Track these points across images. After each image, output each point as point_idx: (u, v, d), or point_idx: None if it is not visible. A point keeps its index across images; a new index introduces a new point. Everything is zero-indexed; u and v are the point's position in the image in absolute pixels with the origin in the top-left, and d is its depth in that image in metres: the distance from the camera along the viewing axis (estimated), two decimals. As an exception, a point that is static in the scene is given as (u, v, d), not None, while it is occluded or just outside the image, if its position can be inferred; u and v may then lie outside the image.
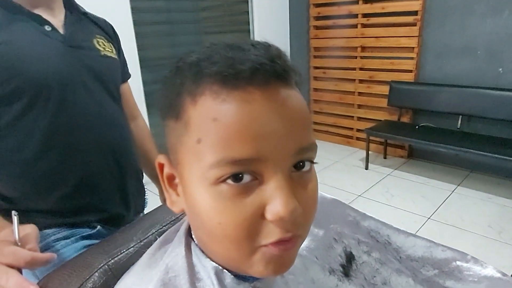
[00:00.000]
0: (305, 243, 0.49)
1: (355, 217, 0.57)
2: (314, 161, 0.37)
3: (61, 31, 0.74)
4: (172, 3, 3.08)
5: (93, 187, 0.79)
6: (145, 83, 2.89)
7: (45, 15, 0.73)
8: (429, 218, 2.44)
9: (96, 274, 0.44)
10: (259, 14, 3.68)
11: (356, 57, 3.50)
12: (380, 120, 3.44)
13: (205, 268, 0.39)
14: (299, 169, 0.35)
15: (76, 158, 0.75)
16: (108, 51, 0.83)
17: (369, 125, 3.34)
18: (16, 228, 0.54)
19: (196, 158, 0.34)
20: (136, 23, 2.75)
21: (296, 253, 0.38)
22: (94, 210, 0.79)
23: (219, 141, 0.32)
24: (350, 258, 0.51)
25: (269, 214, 0.32)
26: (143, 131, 1.04)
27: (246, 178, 0.33)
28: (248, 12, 3.67)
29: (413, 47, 3.11)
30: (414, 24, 3.05)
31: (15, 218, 0.55)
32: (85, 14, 0.84)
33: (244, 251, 0.34)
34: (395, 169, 3.23)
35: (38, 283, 0.47)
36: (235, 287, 0.39)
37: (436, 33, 3.02)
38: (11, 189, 0.72)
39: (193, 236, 0.43)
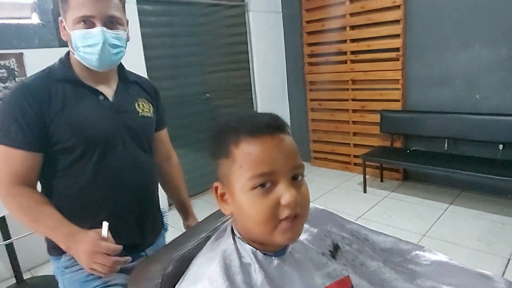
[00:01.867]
0: (304, 236, 0.74)
1: (341, 221, 0.82)
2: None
3: (111, 99, 1.00)
4: (178, 49, 3.42)
5: (117, 220, 0.99)
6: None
7: (102, 88, 1.00)
8: (424, 235, 2.65)
9: (173, 262, 0.68)
10: (258, 53, 4.05)
11: (348, 89, 3.82)
12: (375, 146, 3.71)
13: (245, 250, 0.65)
14: (295, 179, 0.62)
15: (109, 196, 0.98)
16: (146, 111, 1.08)
17: (365, 151, 3.60)
18: (106, 231, 0.82)
19: (239, 177, 0.61)
20: (148, 69, 3.08)
21: (301, 228, 0.63)
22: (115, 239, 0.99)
23: (252, 165, 0.60)
24: (336, 247, 0.76)
25: (283, 201, 0.59)
26: (176, 169, 1.30)
27: (267, 185, 0.60)
28: (247, 52, 4.04)
29: (398, 79, 3.43)
30: (397, 59, 3.39)
31: (106, 225, 0.83)
32: (134, 81, 1.10)
33: (271, 227, 0.60)
34: (392, 191, 3.46)
35: (130, 274, 0.71)
36: (264, 260, 0.64)
37: (417, 66, 3.35)
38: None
39: (235, 232, 0.68)
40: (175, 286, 0.65)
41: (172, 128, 3.25)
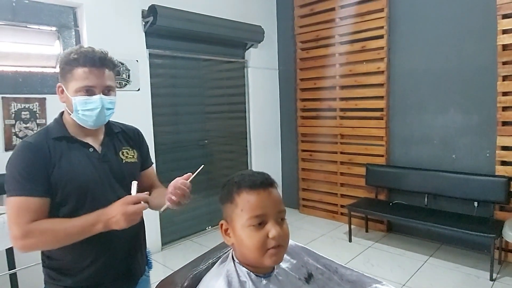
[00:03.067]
0: (286, 265, 0.96)
1: (316, 256, 1.04)
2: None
3: (98, 150, 1.17)
4: (181, 98, 3.73)
5: (107, 258, 1.14)
6: (158, 164, 3.39)
7: (91, 141, 1.16)
8: (403, 285, 2.80)
9: (188, 278, 0.88)
10: (254, 105, 4.39)
11: (337, 143, 4.13)
12: (360, 197, 3.94)
13: (242, 271, 0.87)
14: (280, 220, 0.85)
15: (98, 236, 1.06)
16: (130, 157, 1.24)
17: (351, 201, 3.83)
18: (135, 191, 1.05)
19: (240, 218, 0.84)
20: (154, 115, 3.37)
21: (283, 255, 0.85)
22: (104, 277, 1.15)
23: (250, 209, 0.83)
24: (310, 275, 0.98)
25: (270, 235, 0.81)
26: (159, 188, 1.41)
27: (260, 224, 0.82)
28: (245, 103, 4.37)
29: (382, 136, 3.75)
30: (381, 118, 3.74)
31: (135, 183, 1.08)
32: (119, 131, 1.26)
33: (261, 253, 0.82)
34: (376, 242, 3.63)
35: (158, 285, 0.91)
36: (256, 279, 0.86)
37: (399, 125, 3.69)
38: (61, 254, 1.12)
39: (234, 258, 0.89)
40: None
41: (169, 171, 3.58)
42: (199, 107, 3.92)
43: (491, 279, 2.80)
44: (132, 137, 1.31)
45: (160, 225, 3.48)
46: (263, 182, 0.85)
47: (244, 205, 0.83)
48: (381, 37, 3.66)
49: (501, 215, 3.12)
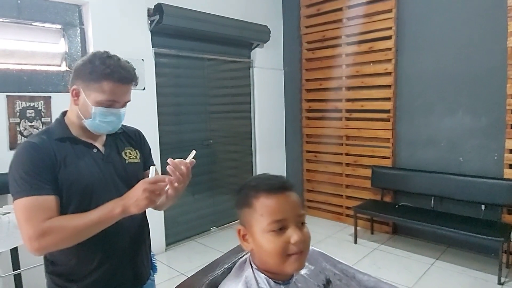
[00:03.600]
0: (304, 271, 0.93)
1: (333, 261, 1.01)
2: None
3: (102, 151, 1.15)
4: (187, 98, 3.71)
5: (112, 263, 1.11)
6: (162, 164, 3.36)
7: (94, 142, 1.15)
8: (411, 288, 2.77)
9: (204, 285, 0.85)
10: (259, 105, 4.36)
11: (342, 144, 4.10)
12: (366, 199, 3.90)
13: (260, 277, 0.84)
14: (300, 225, 0.82)
15: (103, 239, 1.05)
16: (132, 158, 1.22)
17: (357, 203, 3.80)
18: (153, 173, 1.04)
19: (260, 222, 0.81)
20: (159, 114, 3.34)
21: (305, 261, 0.82)
22: (110, 281, 1.12)
23: (270, 213, 0.80)
24: (328, 281, 0.95)
25: (292, 240, 0.78)
26: None
27: (281, 229, 0.79)
28: (250, 103, 4.35)
29: (389, 138, 3.72)
30: (388, 120, 3.71)
31: (153, 169, 1.05)
32: (121, 133, 1.24)
33: (282, 259, 0.79)
34: (382, 244, 3.60)
35: None
36: (275, 286, 0.83)
37: (406, 127, 3.66)
38: (65, 259, 1.08)
39: (252, 264, 0.86)
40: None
41: None
42: (204, 106, 3.89)
43: (499, 283, 2.77)
44: (133, 138, 1.29)
45: (164, 225, 3.46)
46: (281, 186, 0.83)
47: (263, 210, 0.80)
48: (389, 38, 3.63)
49: (509, 219, 3.09)
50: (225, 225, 4.10)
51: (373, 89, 3.80)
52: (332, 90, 4.13)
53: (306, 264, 0.95)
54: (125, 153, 1.22)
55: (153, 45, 3.25)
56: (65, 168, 1.04)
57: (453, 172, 3.35)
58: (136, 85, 1.14)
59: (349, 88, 4.00)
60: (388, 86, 3.68)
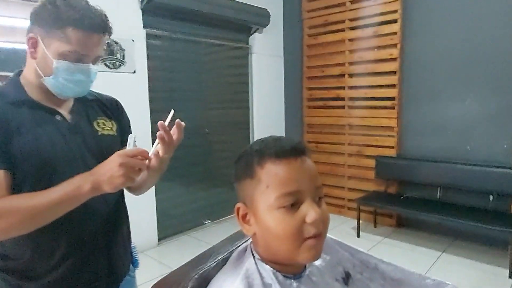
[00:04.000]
0: (319, 262, 0.76)
1: (350, 250, 0.84)
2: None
3: (68, 118, 0.94)
4: (182, 84, 3.52)
5: (82, 249, 0.93)
6: (156, 153, 3.20)
7: (58, 108, 0.94)
8: (418, 282, 2.62)
9: (193, 279, 0.68)
10: (258, 94, 4.18)
11: (344, 134, 3.93)
12: (369, 191, 3.75)
13: (266, 270, 0.67)
14: (317, 200, 0.65)
15: (70, 225, 0.89)
16: (107, 129, 1.02)
17: (359, 195, 3.64)
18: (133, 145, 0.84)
19: (266, 196, 0.64)
20: (151, 100, 3.16)
21: (322, 247, 0.65)
22: (82, 270, 0.94)
23: (279, 184, 0.63)
24: (348, 275, 0.78)
25: (309, 219, 0.61)
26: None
27: (294, 205, 0.62)
28: (248, 91, 4.17)
29: (393, 127, 3.56)
30: (392, 108, 3.54)
31: (132, 137, 0.87)
32: (93, 99, 1.05)
33: (296, 244, 0.62)
34: (385, 237, 3.45)
35: (154, 285, 0.71)
36: (284, 281, 0.66)
37: (412, 115, 3.49)
38: (19, 251, 0.88)
39: (254, 253, 0.69)
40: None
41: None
42: (199, 93, 3.71)
43: (510, 276, 2.63)
44: (109, 107, 1.08)
45: (156, 219, 3.29)
46: (294, 149, 0.65)
47: (271, 180, 0.63)
48: (394, 21, 3.44)
49: (520, 210, 2.94)
50: (221, 219, 3.93)
51: (377, 75, 3.63)
52: (335, 78, 3.95)
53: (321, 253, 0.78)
54: (98, 123, 1.02)
55: (145, 26, 3.05)
56: (20, 137, 0.84)
57: (460, 161, 3.20)
58: (110, 36, 0.94)
59: (352, 75, 3.83)
60: (393, 72, 3.51)
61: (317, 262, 0.75)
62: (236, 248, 0.78)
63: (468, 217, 2.89)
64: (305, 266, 0.72)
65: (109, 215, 1.00)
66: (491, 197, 3.08)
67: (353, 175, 3.94)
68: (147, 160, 0.86)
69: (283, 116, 4.53)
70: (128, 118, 1.16)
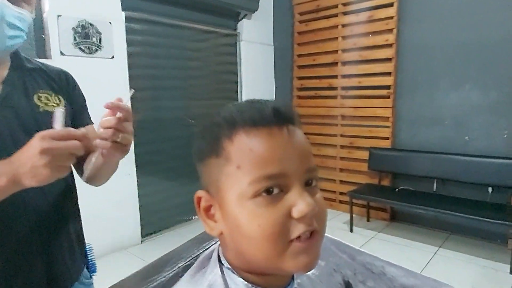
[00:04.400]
0: (311, 271, 0.58)
1: (350, 252, 0.67)
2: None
3: None
4: (165, 71, 3.32)
5: (13, 251, 0.76)
6: (136, 145, 3.00)
7: None
8: (414, 279, 2.48)
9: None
10: (247, 84, 3.99)
11: (337, 125, 3.77)
12: (362, 184, 3.60)
13: (237, 285, 0.48)
14: (309, 185, 0.47)
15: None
16: (51, 105, 0.84)
17: (351, 188, 3.48)
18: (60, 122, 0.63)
19: (236, 181, 0.45)
20: (133, 99, 2.93)
21: (319, 249, 0.47)
22: (12, 278, 0.76)
23: (254, 164, 0.44)
24: (348, 286, 0.60)
25: (296, 213, 0.43)
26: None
27: (275, 190, 0.44)
28: (236, 81, 3.97)
29: (388, 117, 3.40)
30: (388, 97, 3.38)
31: (58, 111, 0.65)
32: (35, 68, 0.87)
33: (279, 248, 0.44)
34: (379, 232, 3.31)
35: None
36: None
37: (408, 105, 3.34)
38: None
39: (222, 261, 0.51)
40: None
41: (146, 153, 3.14)
42: (184, 82, 3.50)
43: (511, 272, 2.51)
44: (56, 80, 0.89)
45: (139, 214, 3.10)
46: (278, 114, 0.46)
47: (244, 158, 0.44)
48: (390, 5, 3.27)
49: (520, 202, 2.82)
50: (209, 213, 3.75)
51: (372, 63, 3.46)
52: (327, 66, 3.78)
53: None
54: (39, 97, 0.83)
55: (123, 8, 2.83)
56: None
57: (458, 152, 3.06)
58: None
59: (345, 63, 3.65)
60: (389, 59, 3.34)
61: (310, 272, 0.57)
62: (204, 251, 0.60)
63: (466, 210, 2.74)
64: (293, 276, 0.54)
65: (48, 210, 0.80)
66: (490, 190, 2.95)
67: (345, 167, 3.79)
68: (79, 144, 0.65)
69: (273, 107, 4.35)
70: (82, 95, 0.97)
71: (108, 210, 2.83)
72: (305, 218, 0.43)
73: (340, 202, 3.85)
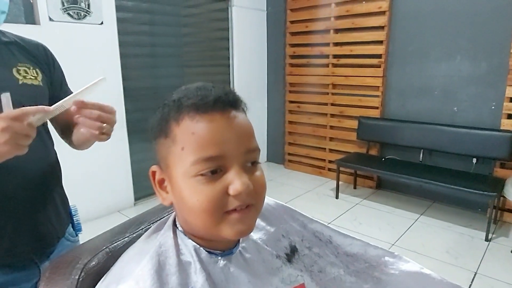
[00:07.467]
0: (258, 235, 0.64)
1: (303, 220, 0.72)
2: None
3: None
4: (157, 38, 3.27)
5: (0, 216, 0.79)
6: (127, 111, 3.02)
7: None
8: (393, 244, 2.60)
9: (99, 254, 0.56)
10: (239, 51, 3.94)
11: (328, 93, 3.77)
12: (350, 152, 3.67)
13: (187, 246, 0.54)
14: (249, 165, 0.53)
15: None
16: (30, 78, 0.86)
17: (340, 156, 3.55)
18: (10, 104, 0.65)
19: (180, 160, 0.50)
20: (122, 56, 2.92)
21: (254, 220, 0.53)
22: None
23: (196, 147, 0.49)
24: (293, 250, 0.66)
25: (231, 191, 0.49)
26: None
27: (216, 172, 0.50)
28: (228, 48, 3.92)
29: (378, 86, 3.41)
30: (378, 66, 3.37)
31: (5, 96, 0.66)
32: (13, 41, 0.88)
33: (216, 219, 0.50)
34: (364, 199, 3.42)
35: (50, 263, 0.58)
36: (208, 259, 0.54)
37: (398, 74, 3.33)
38: None
39: (177, 225, 0.57)
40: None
41: (142, 121, 3.15)
42: (176, 49, 3.46)
43: (487, 240, 2.63)
44: (34, 53, 0.91)
45: (132, 178, 3.17)
46: (219, 100, 0.51)
47: (187, 141, 0.50)
48: (384, -30, 3.19)
49: (501, 173, 2.89)
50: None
51: (364, 31, 3.41)
52: (319, 33, 3.72)
53: (263, 224, 0.66)
54: (18, 70, 0.84)
55: (110, -30, 2.75)
56: None
57: (446, 123, 3.10)
58: None
59: (338, 30, 3.60)
60: (381, 28, 3.30)
61: (256, 236, 0.63)
62: (165, 217, 0.65)
63: (449, 180, 2.81)
64: (239, 240, 0.59)
65: (33, 174, 0.85)
66: (474, 161, 3.02)
67: (335, 136, 3.84)
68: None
69: (265, 75, 4.33)
70: (61, 69, 0.98)
71: (101, 174, 2.91)
72: (240, 195, 0.49)
73: (329, 170, 3.93)
